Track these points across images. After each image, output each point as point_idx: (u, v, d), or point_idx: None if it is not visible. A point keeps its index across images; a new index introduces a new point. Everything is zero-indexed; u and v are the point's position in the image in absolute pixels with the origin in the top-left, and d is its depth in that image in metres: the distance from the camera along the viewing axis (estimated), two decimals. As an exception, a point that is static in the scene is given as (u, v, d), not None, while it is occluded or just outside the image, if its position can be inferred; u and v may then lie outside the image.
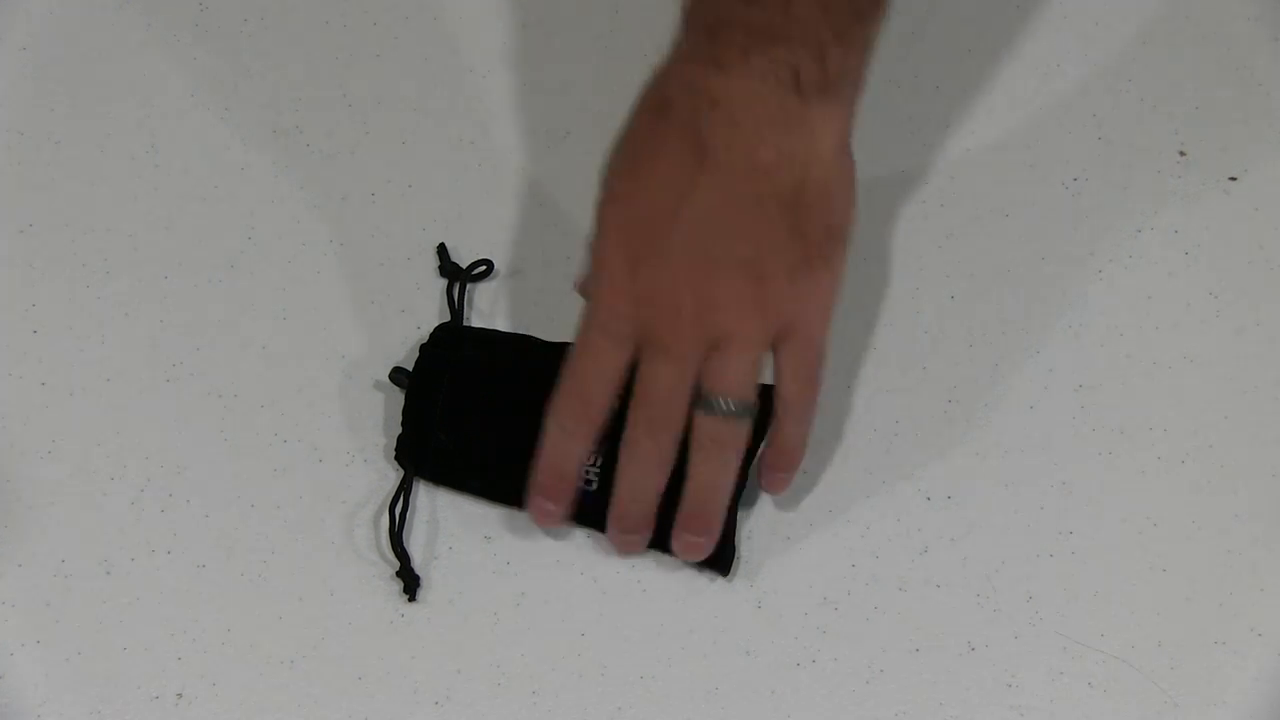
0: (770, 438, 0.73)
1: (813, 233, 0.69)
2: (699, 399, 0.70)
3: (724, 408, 0.69)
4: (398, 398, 0.77)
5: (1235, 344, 0.79)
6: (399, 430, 0.76)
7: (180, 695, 0.71)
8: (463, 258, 0.82)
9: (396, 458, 0.75)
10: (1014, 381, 0.78)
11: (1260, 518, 0.75)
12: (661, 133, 0.69)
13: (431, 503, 0.75)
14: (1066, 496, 0.75)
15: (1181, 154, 0.85)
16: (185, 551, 0.74)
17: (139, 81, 0.87)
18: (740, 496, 0.74)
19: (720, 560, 0.73)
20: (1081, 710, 0.70)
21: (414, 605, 0.73)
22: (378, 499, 0.75)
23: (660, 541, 0.73)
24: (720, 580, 0.73)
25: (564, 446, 0.71)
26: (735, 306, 0.69)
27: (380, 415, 0.77)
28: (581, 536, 0.74)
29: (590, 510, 0.73)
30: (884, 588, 0.73)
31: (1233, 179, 0.84)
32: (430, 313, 0.80)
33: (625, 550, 0.73)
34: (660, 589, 0.73)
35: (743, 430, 0.70)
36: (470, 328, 0.79)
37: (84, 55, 0.88)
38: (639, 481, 0.71)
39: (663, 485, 0.71)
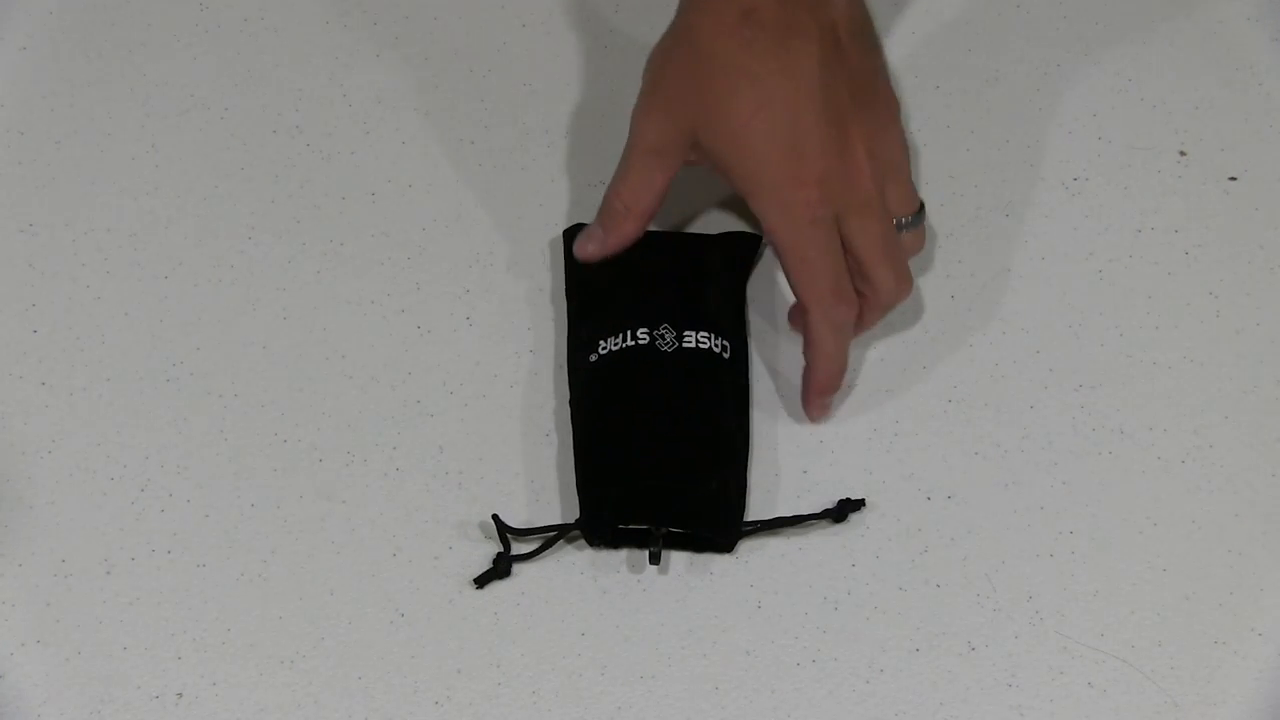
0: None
1: (876, 39, 0.79)
2: None
3: (908, 223, 0.78)
4: (397, 397, 0.78)
5: (1235, 344, 0.79)
6: (397, 430, 0.76)
7: (180, 695, 0.71)
8: (462, 256, 0.82)
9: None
10: (1014, 381, 0.78)
11: (1260, 518, 0.75)
12: (762, 39, 0.75)
13: (432, 502, 0.75)
14: (1066, 496, 0.75)
15: (1181, 154, 0.85)
16: (185, 551, 0.74)
17: (139, 81, 0.87)
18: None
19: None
20: (1081, 710, 0.70)
21: (415, 605, 0.73)
22: (377, 499, 0.75)
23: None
24: (721, 580, 0.73)
25: (840, 341, 0.76)
26: (886, 130, 0.77)
27: (380, 414, 0.77)
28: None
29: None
30: (884, 588, 0.73)
31: (1233, 179, 0.84)
32: (430, 312, 0.80)
33: (822, 413, 0.78)
34: (660, 589, 0.73)
35: (920, 233, 0.79)
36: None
37: (84, 55, 0.88)
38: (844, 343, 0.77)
39: None
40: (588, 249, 0.79)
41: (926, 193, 0.84)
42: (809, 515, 0.74)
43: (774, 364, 0.79)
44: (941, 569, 0.74)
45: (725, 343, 0.77)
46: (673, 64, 0.77)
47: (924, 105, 0.87)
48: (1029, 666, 0.71)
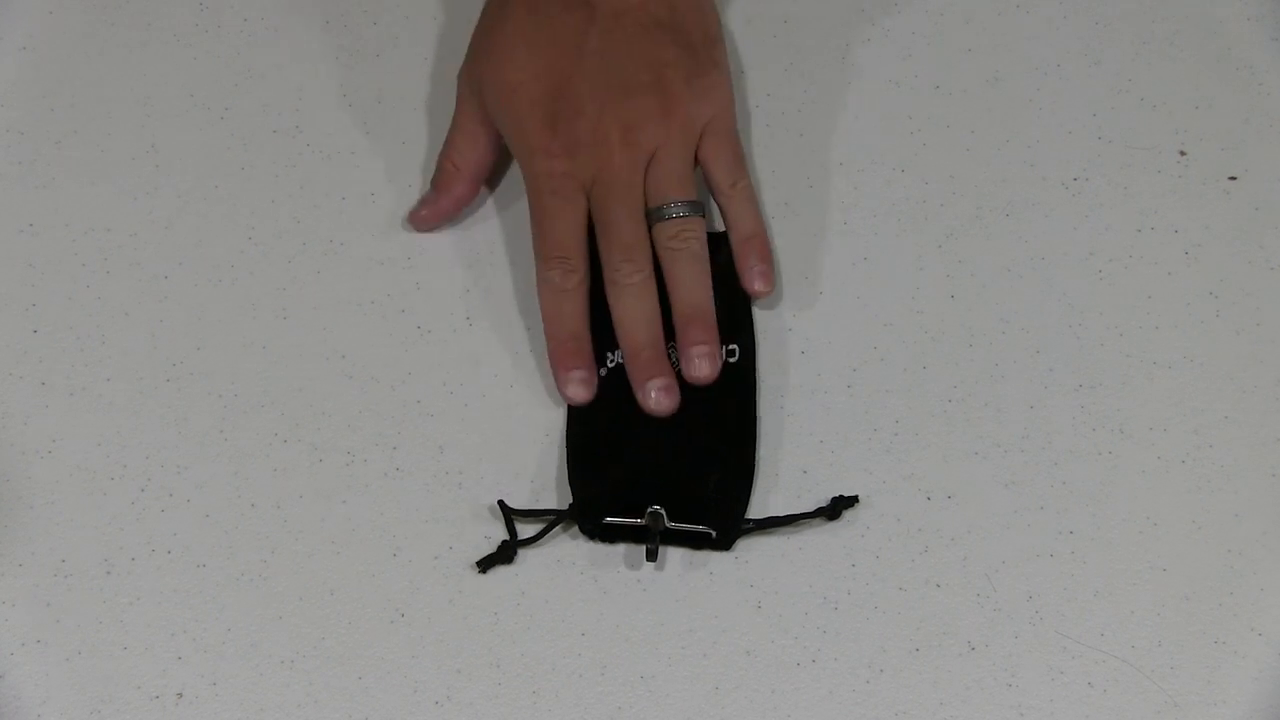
0: (731, 232, 0.80)
1: (695, 42, 0.81)
2: (651, 215, 0.78)
3: (673, 211, 0.78)
4: (397, 397, 0.78)
5: (1235, 344, 0.79)
6: (397, 430, 0.76)
7: (180, 695, 0.71)
8: (462, 256, 0.82)
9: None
10: (1014, 381, 0.78)
11: (1260, 518, 0.75)
12: (550, 8, 0.80)
13: (432, 502, 0.75)
14: (1066, 496, 0.75)
15: (1181, 154, 0.85)
16: (185, 551, 0.74)
17: (139, 81, 0.87)
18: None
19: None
20: (1081, 710, 0.70)
21: (414, 605, 0.73)
22: (376, 499, 0.75)
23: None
24: (720, 580, 0.73)
25: (565, 305, 0.78)
26: (652, 121, 0.79)
27: (380, 414, 0.77)
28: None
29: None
30: (884, 588, 0.73)
31: (1233, 179, 0.84)
32: (430, 312, 0.80)
33: (661, 404, 0.76)
34: (660, 589, 0.73)
35: (697, 221, 0.78)
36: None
37: (84, 55, 0.88)
38: (637, 309, 0.77)
39: (657, 308, 0.77)
40: (420, 214, 0.82)
41: (926, 192, 0.84)
42: (803, 514, 0.74)
43: (776, 364, 0.79)
44: (941, 569, 0.74)
45: (733, 346, 0.77)
46: (480, 22, 0.82)
47: (924, 105, 0.87)
48: (1029, 666, 0.71)
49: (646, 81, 0.79)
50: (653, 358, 0.76)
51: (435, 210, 0.81)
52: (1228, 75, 0.88)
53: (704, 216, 0.79)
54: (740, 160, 0.81)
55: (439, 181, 0.82)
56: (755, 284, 0.79)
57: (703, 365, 0.76)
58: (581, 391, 0.76)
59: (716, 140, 0.80)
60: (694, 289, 0.77)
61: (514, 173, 0.84)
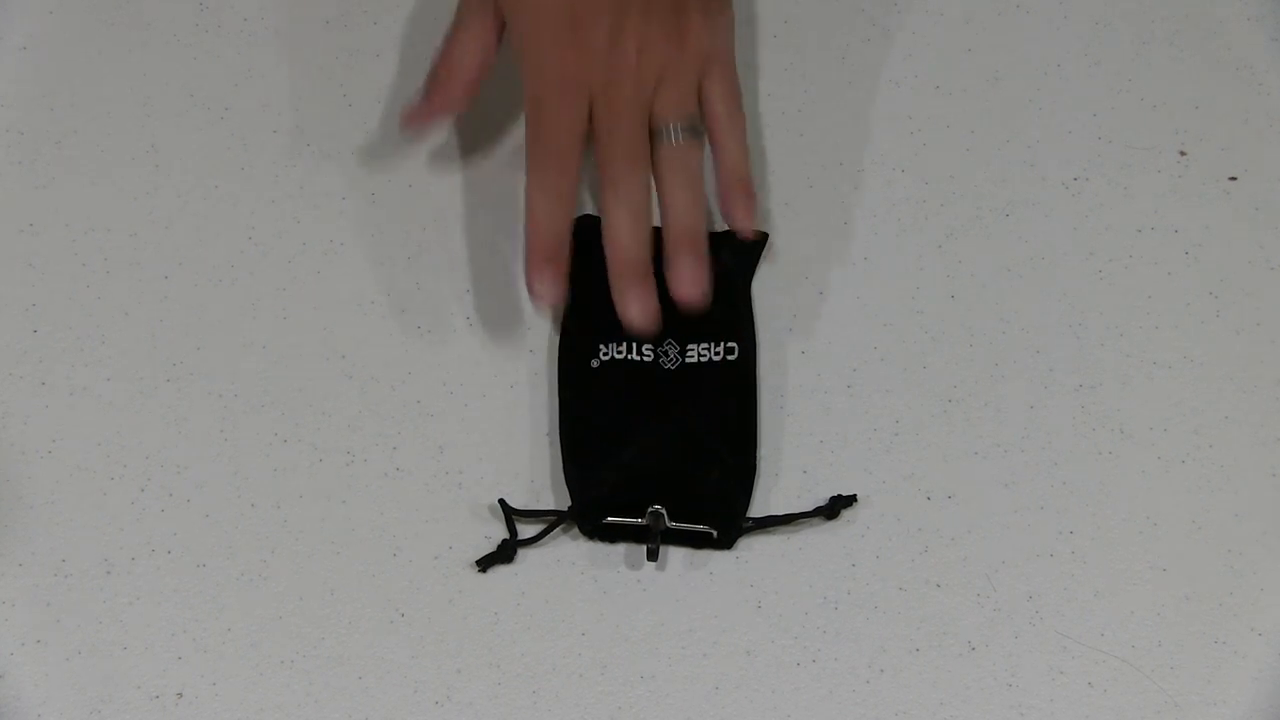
0: (716, 164, 0.79)
1: None
2: (654, 134, 0.78)
3: (676, 133, 0.78)
4: (397, 397, 0.78)
5: (1235, 344, 0.79)
6: (397, 430, 0.76)
7: (180, 695, 0.71)
8: (462, 256, 0.82)
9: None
10: (1014, 381, 0.78)
11: (1260, 518, 0.75)
12: None
13: (432, 502, 0.75)
14: (1067, 496, 0.75)
15: (1181, 154, 0.85)
16: (185, 551, 0.74)
17: (139, 81, 0.87)
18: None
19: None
20: (1081, 710, 0.70)
21: (414, 605, 0.73)
22: (376, 499, 0.75)
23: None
24: (720, 580, 0.73)
25: (555, 206, 0.77)
26: (667, 44, 0.78)
27: (380, 414, 0.77)
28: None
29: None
30: (884, 588, 0.73)
31: (1233, 179, 0.84)
32: (429, 312, 0.80)
33: (640, 318, 0.75)
34: (660, 589, 0.73)
35: (697, 147, 0.78)
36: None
37: (84, 55, 0.88)
38: (629, 218, 0.76)
39: (649, 223, 0.77)
40: (412, 116, 0.81)
41: (926, 192, 0.84)
42: (801, 513, 0.74)
43: (776, 364, 0.79)
44: (941, 569, 0.74)
45: (732, 344, 0.77)
46: None
47: (924, 105, 0.87)
48: (1029, 666, 0.71)
49: (667, 4, 0.79)
50: (639, 271, 0.76)
51: (429, 109, 0.81)
52: (1228, 75, 0.88)
53: (703, 143, 0.79)
54: (737, 93, 0.81)
55: (434, 84, 0.81)
56: (738, 214, 0.79)
57: (691, 287, 0.76)
58: (552, 291, 0.76)
59: (719, 74, 0.80)
60: (688, 210, 0.77)
61: (512, 173, 0.84)
